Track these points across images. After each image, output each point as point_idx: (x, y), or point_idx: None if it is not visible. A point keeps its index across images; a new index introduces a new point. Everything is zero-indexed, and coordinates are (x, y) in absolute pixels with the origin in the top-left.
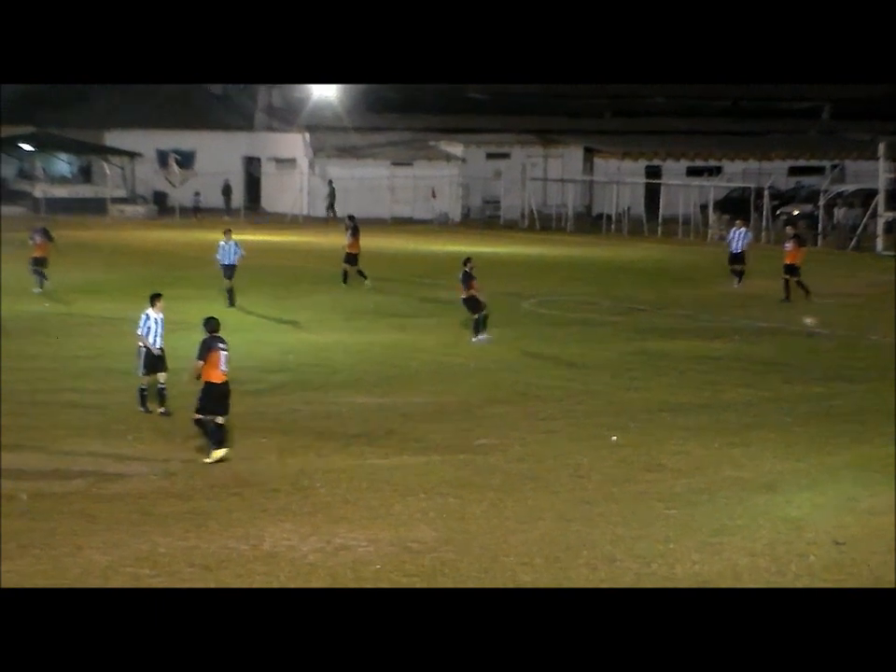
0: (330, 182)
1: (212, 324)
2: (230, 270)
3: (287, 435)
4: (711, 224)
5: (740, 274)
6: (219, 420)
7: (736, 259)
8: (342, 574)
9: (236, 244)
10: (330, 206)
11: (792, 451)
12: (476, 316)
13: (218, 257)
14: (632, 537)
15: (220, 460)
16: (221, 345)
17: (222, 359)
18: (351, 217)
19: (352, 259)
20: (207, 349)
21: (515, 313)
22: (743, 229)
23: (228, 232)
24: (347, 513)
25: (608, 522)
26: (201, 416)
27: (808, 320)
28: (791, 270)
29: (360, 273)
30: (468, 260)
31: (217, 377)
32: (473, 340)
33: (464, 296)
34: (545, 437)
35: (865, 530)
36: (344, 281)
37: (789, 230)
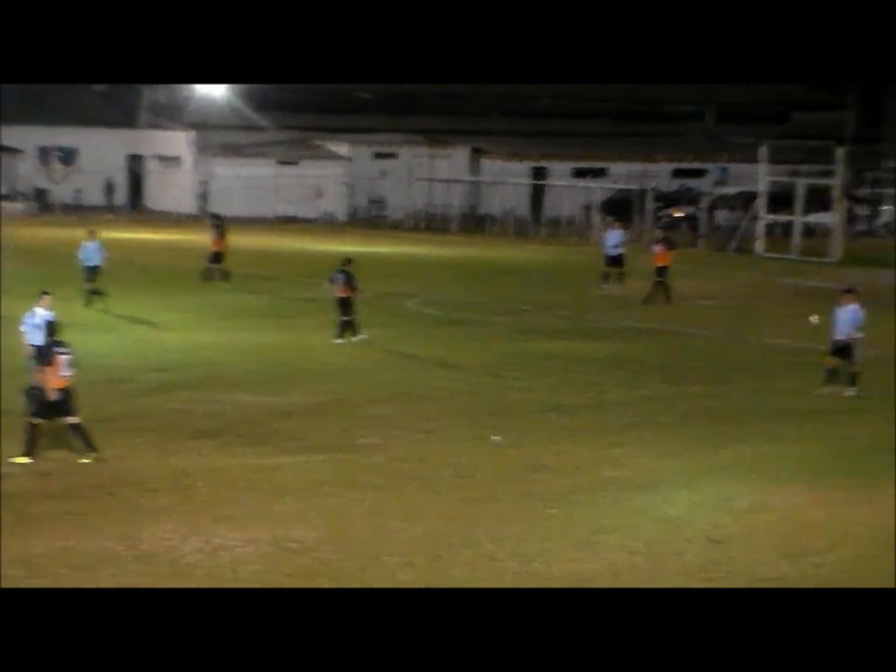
0: (204, 181)
1: (51, 328)
2: (93, 271)
3: (168, 434)
4: (595, 225)
5: (614, 275)
6: (72, 420)
7: (613, 260)
8: (220, 574)
9: (100, 244)
10: (203, 205)
11: (671, 450)
12: (345, 319)
13: (81, 257)
14: (513, 536)
15: (96, 459)
16: (61, 349)
17: (62, 363)
18: (216, 216)
19: (217, 257)
20: (46, 354)
21: (399, 312)
22: (619, 231)
23: (92, 233)
24: (227, 513)
25: (489, 521)
26: (37, 420)
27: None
28: (660, 272)
29: (223, 272)
30: (347, 261)
31: (57, 382)
32: (336, 341)
33: (341, 295)
34: (427, 436)
35: (742, 529)
36: (211, 279)
37: (658, 232)
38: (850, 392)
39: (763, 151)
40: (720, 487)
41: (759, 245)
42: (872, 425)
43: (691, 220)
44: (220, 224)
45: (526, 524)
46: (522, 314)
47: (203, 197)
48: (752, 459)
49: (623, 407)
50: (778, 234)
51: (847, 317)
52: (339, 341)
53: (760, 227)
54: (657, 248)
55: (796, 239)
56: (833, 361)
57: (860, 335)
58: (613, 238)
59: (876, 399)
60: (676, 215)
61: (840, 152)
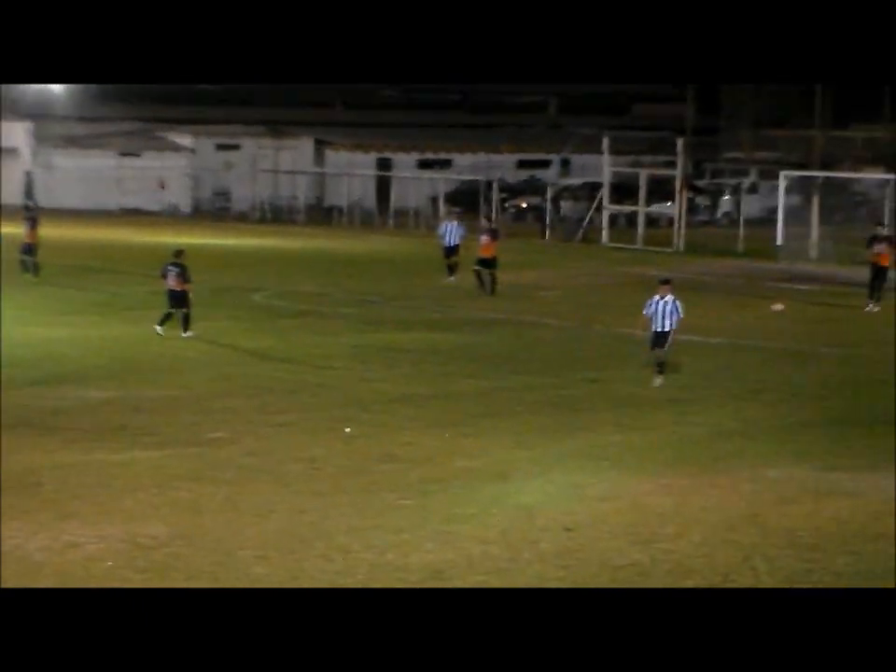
0: (28, 172)
1: None
2: None
3: (12, 431)
4: (442, 216)
5: (453, 267)
6: None
7: (451, 251)
8: (71, 572)
9: None
10: (28, 196)
11: (523, 440)
12: (182, 311)
13: None
14: (366, 527)
15: None
16: None
17: None
18: (28, 208)
19: (29, 249)
20: None
21: (247, 305)
22: (455, 222)
23: None
24: (76, 510)
25: (341, 513)
26: None
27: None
28: (486, 263)
29: (35, 265)
30: (179, 252)
31: None
32: (183, 335)
33: (176, 288)
34: (278, 430)
35: (593, 516)
36: (28, 272)
37: (484, 222)
38: (657, 382)
39: (605, 142)
40: (571, 476)
41: (604, 236)
42: (715, 412)
43: (537, 211)
44: (33, 216)
45: (380, 515)
46: (370, 305)
47: (28, 188)
48: (602, 448)
49: (474, 397)
50: (623, 225)
51: (667, 308)
52: (186, 334)
53: (604, 217)
54: (483, 239)
55: (640, 229)
56: (656, 353)
57: (675, 325)
58: (451, 230)
59: (719, 387)
60: (522, 205)
61: (680, 143)
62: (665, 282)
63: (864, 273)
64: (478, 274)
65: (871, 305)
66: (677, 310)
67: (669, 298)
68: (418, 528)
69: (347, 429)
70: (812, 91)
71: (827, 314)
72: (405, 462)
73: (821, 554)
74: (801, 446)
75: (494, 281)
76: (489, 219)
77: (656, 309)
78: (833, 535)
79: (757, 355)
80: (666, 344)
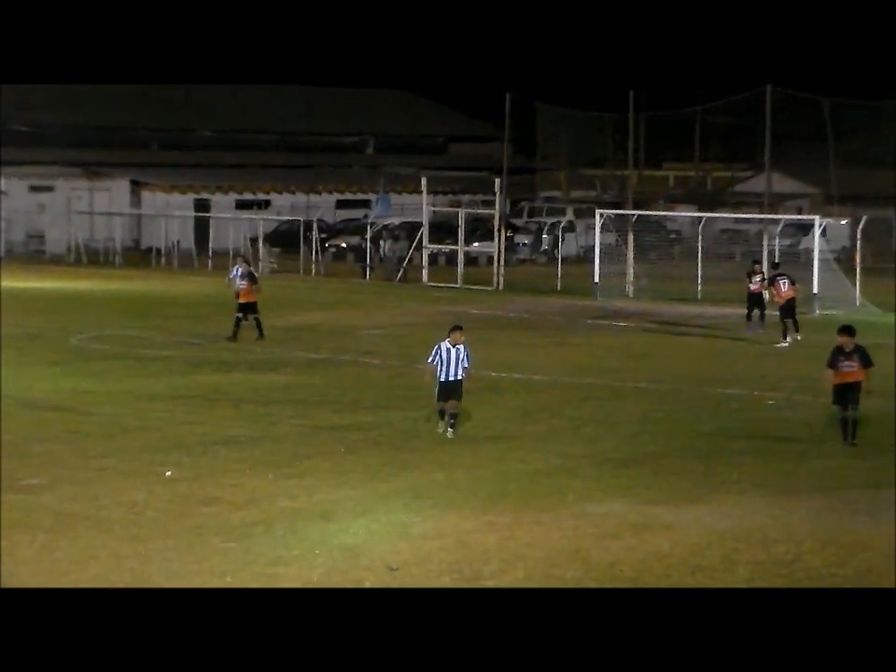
0: None
1: None
2: None
3: None
4: (262, 257)
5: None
6: None
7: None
8: None
9: None
10: None
11: (346, 479)
12: None
13: None
14: (188, 572)
15: None
16: None
17: None
18: None
19: None
20: None
21: (63, 348)
22: (245, 264)
23: None
24: None
25: (163, 558)
26: None
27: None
28: (246, 308)
29: None
30: None
31: None
32: None
33: None
34: (97, 474)
35: (417, 555)
36: None
37: (243, 267)
38: (449, 433)
39: (424, 182)
40: (395, 515)
41: (424, 275)
42: (537, 449)
43: (357, 251)
44: None
45: (203, 559)
46: (190, 347)
47: None
48: (426, 486)
49: (297, 438)
50: (443, 264)
51: (460, 355)
52: None
53: (424, 257)
54: (242, 284)
55: (460, 268)
56: (445, 404)
57: (464, 376)
58: (240, 273)
59: (540, 423)
60: (342, 245)
61: (498, 183)
62: (457, 328)
63: (679, 310)
64: (237, 322)
65: (787, 340)
66: (467, 357)
67: (461, 345)
68: (242, 571)
69: (168, 473)
70: (625, 132)
71: (644, 349)
72: (228, 504)
73: (642, 588)
74: (622, 481)
75: (259, 325)
76: (248, 262)
77: (447, 357)
78: (653, 568)
79: (577, 391)
80: (460, 396)
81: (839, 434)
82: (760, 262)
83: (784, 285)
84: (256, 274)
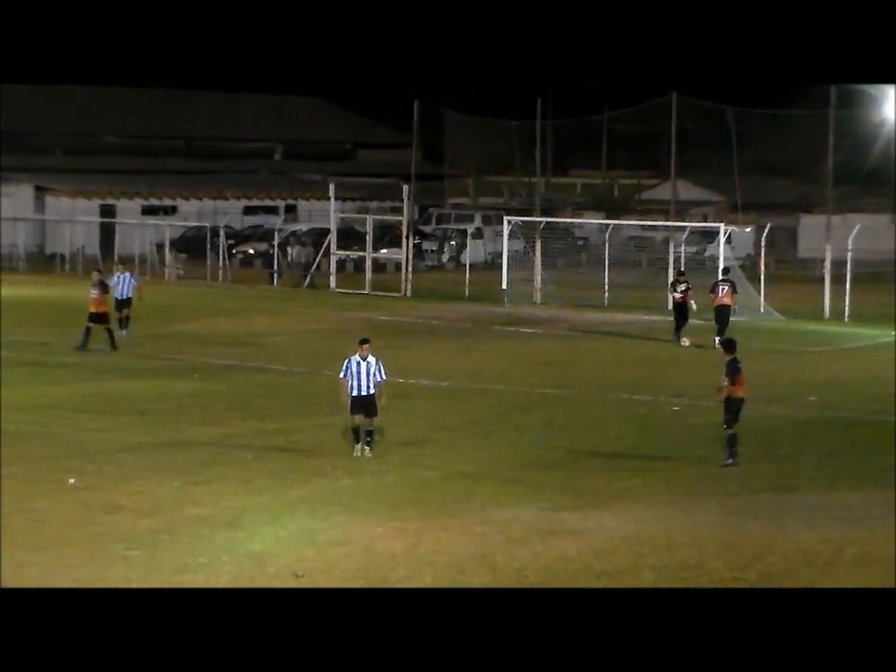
0: None
1: None
2: None
3: None
4: (168, 263)
5: (125, 320)
6: None
7: (123, 304)
8: None
9: None
10: None
11: (253, 486)
12: None
13: None
14: (91, 580)
15: None
16: None
17: None
18: None
19: None
20: None
21: None
22: (127, 273)
23: None
24: None
25: (65, 566)
26: None
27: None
28: (97, 318)
29: None
30: None
31: None
32: None
33: None
34: None
35: (324, 562)
36: None
37: (95, 276)
38: (367, 452)
39: (332, 188)
40: (302, 521)
41: (332, 282)
42: (445, 455)
43: (265, 257)
44: None
45: (105, 567)
46: (95, 353)
47: None
48: (333, 493)
49: (204, 445)
50: (351, 270)
51: (370, 369)
52: None
53: (332, 263)
54: (94, 293)
55: (368, 275)
56: (359, 420)
57: (377, 389)
58: (123, 281)
59: (449, 430)
60: (250, 252)
61: (406, 189)
62: (364, 341)
63: (586, 316)
64: (87, 331)
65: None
66: (380, 370)
67: (372, 359)
68: (147, 579)
69: (71, 480)
70: (533, 139)
71: (551, 356)
72: (133, 512)
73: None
74: (529, 487)
75: (111, 336)
76: (100, 272)
77: (357, 371)
78: (559, 574)
79: (485, 397)
80: (374, 411)
81: (741, 440)
82: (684, 272)
83: (721, 290)
84: (108, 284)
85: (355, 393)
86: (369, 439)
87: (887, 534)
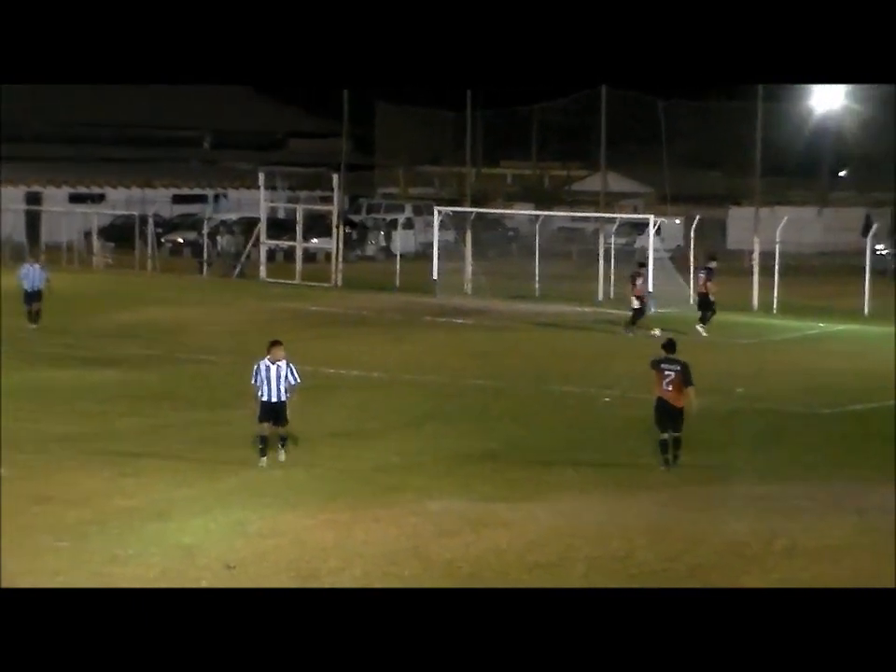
0: None
1: None
2: None
3: None
4: (96, 252)
5: (35, 314)
6: None
7: (33, 297)
8: None
9: None
10: None
11: (184, 478)
12: None
13: None
14: (19, 571)
15: None
16: None
17: None
18: None
19: None
20: None
21: None
22: (36, 265)
23: None
24: None
25: None
26: None
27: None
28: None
29: None
30: None
31: None
32: None
33: None
34: None
35: (255, 553)
36: None
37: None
38: (281, 456)
39: (261, 177)
40: (233, 513)
41: (262, 271)
42: (376, 446)
43: (194, 246)
44: None
45: (35, 558)
46: (23, 342)
47: None
48: (264, 484)
49: (134, 436)
50: (281, 260)
51: (280, 373)
52: None
53: (262, 253)
54: None
55: (298, 265)
56: (269, 427)
57: (291, 395)
58: (32, 273)
59: (380, 421)
60: (179, 241)
61: (336, 179)
62: (276, 343)
63: (517, 307)
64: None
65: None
66: (292, 373)
67: (283, 362)
68: (75, 570)
69: (1, 471)
70: (464, 130)
71: (482, 347)
72: (62, 503)
73: (480, 584)
74: (460, 478)
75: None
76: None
77: (267, 375)
78: (491, 565)
79: (416, 388)
80: (284, 419)
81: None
82: (645, 265)
83: (700, 278)
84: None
85: (265, 398)
86: (283, 442)
87: (815, 526)
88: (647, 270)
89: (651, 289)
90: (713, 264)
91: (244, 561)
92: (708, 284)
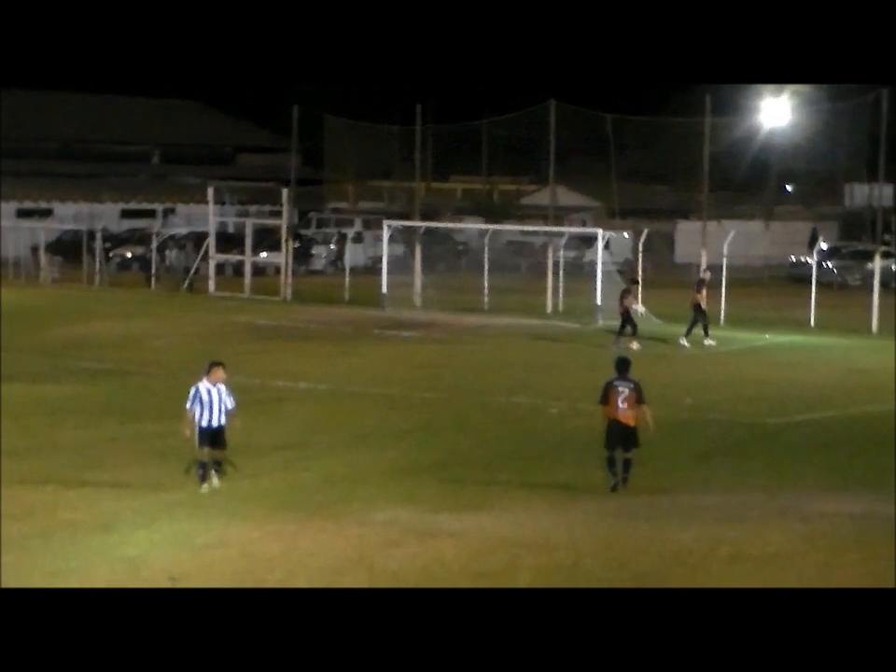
0: None
1: None
2: None
3: None
4: (43, 266)
5: None
6: None
7: None
8: None
9: None
10: None
11: (129, 491)
12: None
13: None
14: None
15: None
16: None
17: None
18: None
19: None
20: None
21: None
22: None
23: None
24: None
25: None
26: None
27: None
28: None
29: None
30: None
31: None
32: None
33: None
34: None
35: (200, 565)
36: None
37: None
38: (214, 482)
39: (210, 192)
40: (178, 525)
41: (211, 285)
42: (323, 458)
43: (142, 261)
44: None
45: None
46: None
47: None
48: (210, 496)
49: (79, 449)
50: (230, 274)
51: (221, 396)
52: None
53: (211, 267)
54: None
55: (247, 278)
56: (209, 453)
57: (228, 421)
58: None
59: (326, 433)
60: (127, 255)
61: (286, 193)
62: (217, 364)
63: (466, 320)
64: None
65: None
66: (230, 398)
67: (222, 385)
68: (18, 584)
69: None
70: (413, 144)
71: (430, 360)
72: (5, 516)
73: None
74: (406, 489)
75: None
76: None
77: (208, 399)
78: (437, 575)
79: (363, 400)
80: (223, 442)
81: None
82: (637, 282)
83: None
84: None
85: (204, 424)
86: (217, 468)
87: (759, 533)
88: (638, 287)
89: (598, 303)
90: (707, 275)
91: (188, 573)
92: (699, 295)
